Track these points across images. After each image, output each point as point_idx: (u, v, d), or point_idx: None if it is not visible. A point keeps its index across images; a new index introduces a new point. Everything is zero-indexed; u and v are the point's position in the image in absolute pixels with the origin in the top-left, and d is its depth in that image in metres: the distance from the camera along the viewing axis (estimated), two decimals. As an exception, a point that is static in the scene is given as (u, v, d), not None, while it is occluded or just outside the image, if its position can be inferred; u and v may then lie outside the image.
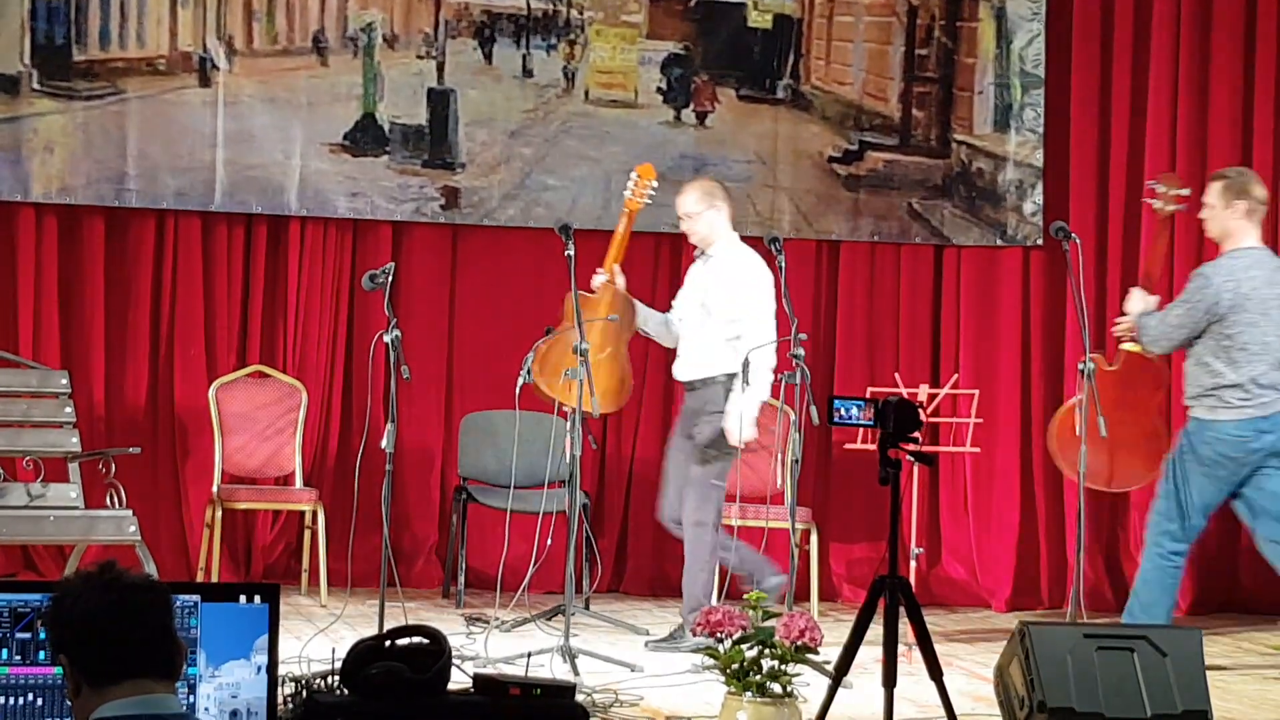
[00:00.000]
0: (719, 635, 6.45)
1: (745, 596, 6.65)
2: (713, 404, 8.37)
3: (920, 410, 6.03)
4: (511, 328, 9.67)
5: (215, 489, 9.38)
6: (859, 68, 10.29)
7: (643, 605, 9.74)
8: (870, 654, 6.59)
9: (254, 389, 9.69)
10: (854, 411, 6.13)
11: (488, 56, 9.96)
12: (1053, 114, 10.38)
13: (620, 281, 8.47)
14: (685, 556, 8.44)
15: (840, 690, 6.22)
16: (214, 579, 8.98)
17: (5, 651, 4.58)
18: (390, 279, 8.01)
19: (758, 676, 6.39)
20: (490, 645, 7.85)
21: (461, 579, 9.45)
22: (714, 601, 8.14)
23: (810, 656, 6.48)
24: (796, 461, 8.21)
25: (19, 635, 4.57)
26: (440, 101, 9.92)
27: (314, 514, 9.36)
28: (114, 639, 3.39)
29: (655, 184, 8.64)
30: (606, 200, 10.02)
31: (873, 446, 6.18)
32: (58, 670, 4.36)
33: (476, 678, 5.46)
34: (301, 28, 9.79)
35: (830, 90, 10.27)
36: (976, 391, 9.31)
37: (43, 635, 4.48)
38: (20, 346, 9.39)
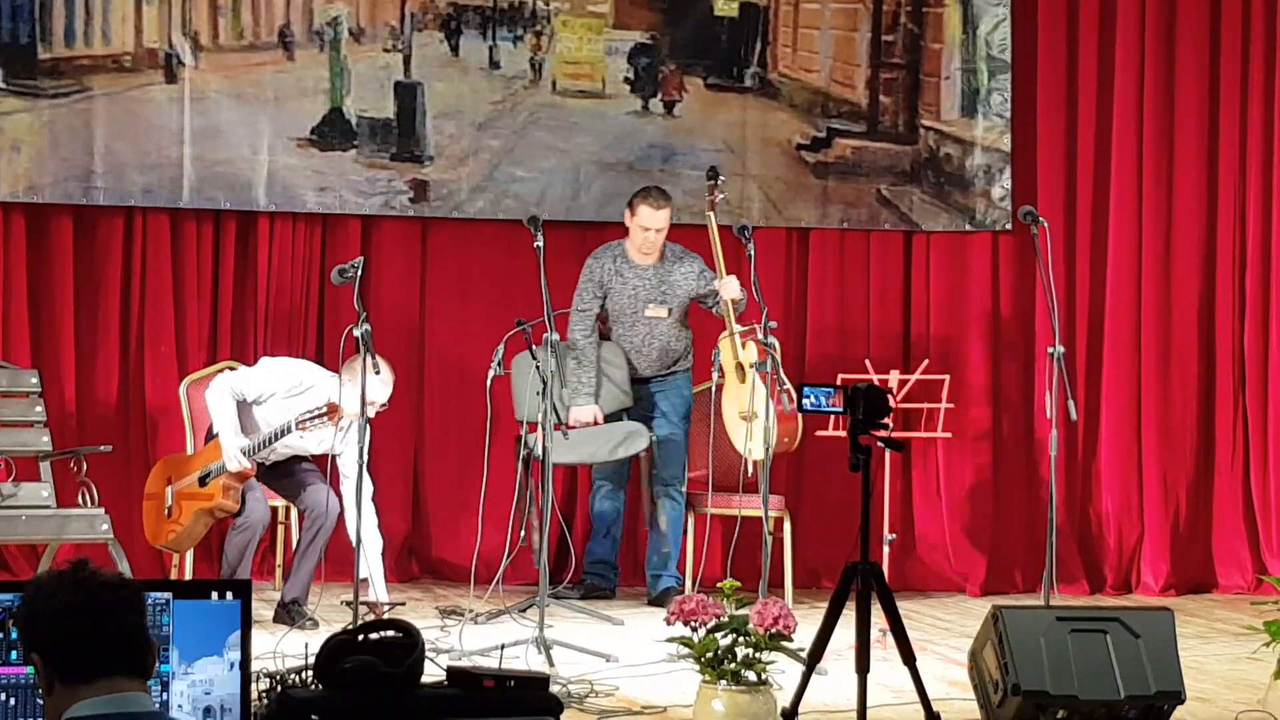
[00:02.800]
0: (692, 624, 6.46)
1: (719, 585, 6.67)
2: None
3: (890, 396, 6.03)
4: (482, 320, 9.66)
5: (188, 486, 9.35)
6: (826, 55, 10.29)
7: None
8: (844, 640, 6.60)
9: (225, 385, 9.65)
10: (823, 398, 6.14)
11: (454, 49, 9.95)
12: (1020, 99, 10.38)
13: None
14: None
15: (814, 677, 6.23)
16: (187, 576, 8.96)
17: (-22, 651, 4.57)
18: (360, 273, 8.02)
19: (732, 665, 6.41)
20: (464, 638, 7.85)
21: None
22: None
23: (784, 644, 6.50)
24: (768, 449, 8.21)
25: (-9, 635, 4.57)
26: (407, 94, 9.90)
27: (286, 509, 9.33)
28: (86, 638, 3.39)
29: None
30: (575, 191, 10.01)
31: (845, 433, 6.17)
32: (30, 670, 4.35)
33: (450, 670, 5.46)
34: (267, 23, 9.76)
35: (798, 78, 10.27)
36: (947, 377, 9.33)
37: (15, 635, 4.46)
38: (-11, 346, 9.37)
